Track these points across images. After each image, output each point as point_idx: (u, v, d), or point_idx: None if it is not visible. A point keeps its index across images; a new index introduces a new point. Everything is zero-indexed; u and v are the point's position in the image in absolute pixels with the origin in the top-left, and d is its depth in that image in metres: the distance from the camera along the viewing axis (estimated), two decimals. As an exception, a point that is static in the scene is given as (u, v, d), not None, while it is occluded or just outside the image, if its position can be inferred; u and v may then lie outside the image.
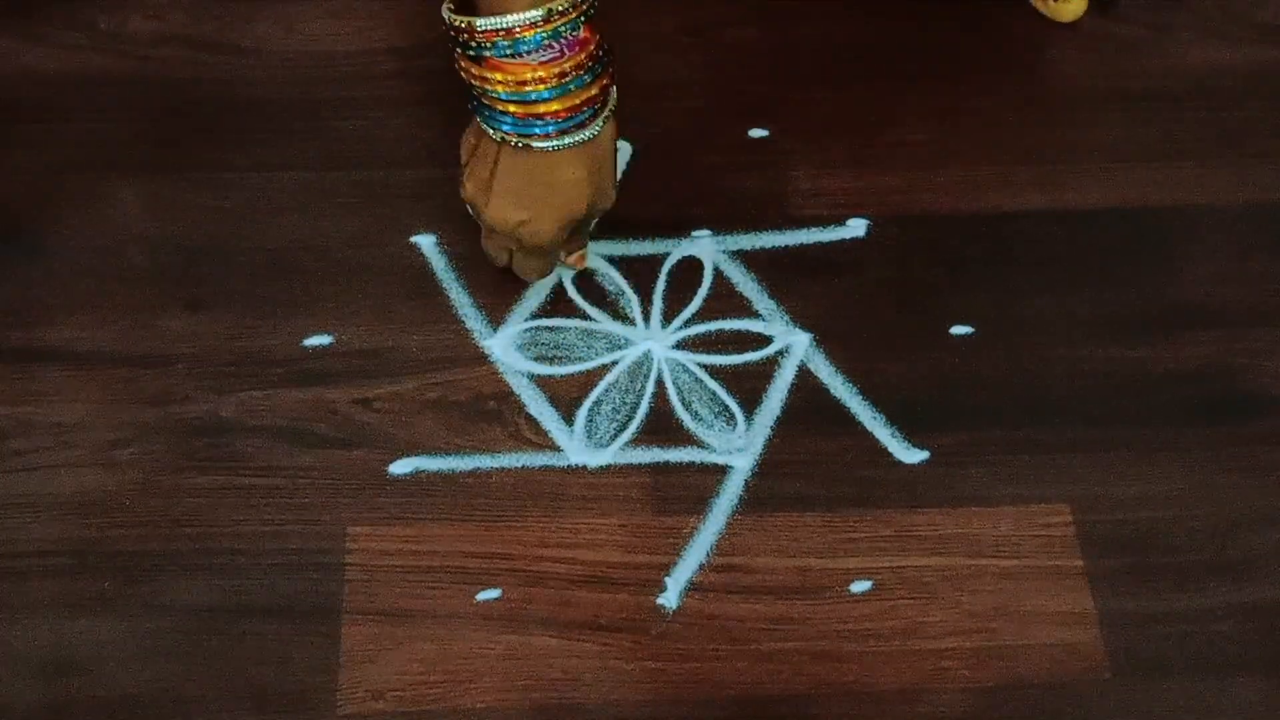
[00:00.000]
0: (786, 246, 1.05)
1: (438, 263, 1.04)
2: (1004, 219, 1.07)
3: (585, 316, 1.02)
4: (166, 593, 0.90)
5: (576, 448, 0.96)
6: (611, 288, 1.03)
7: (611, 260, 1.04)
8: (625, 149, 1.06)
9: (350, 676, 0.88)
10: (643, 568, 0.92)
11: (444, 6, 0.90)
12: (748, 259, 1.05)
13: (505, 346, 1.00)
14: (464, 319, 1.01)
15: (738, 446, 0.96)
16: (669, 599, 0.91)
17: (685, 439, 0.97)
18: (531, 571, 0.91)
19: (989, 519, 0.94)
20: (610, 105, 0.93)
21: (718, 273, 1.04)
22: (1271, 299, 1.03)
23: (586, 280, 1.03)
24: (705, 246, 1.05)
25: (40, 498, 0.93)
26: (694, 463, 0.96)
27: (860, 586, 0.91)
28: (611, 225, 1.04)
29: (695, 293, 1.03)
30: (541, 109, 0.89)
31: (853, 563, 0.92)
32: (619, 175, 0.98)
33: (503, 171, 0.93)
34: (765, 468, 0.96)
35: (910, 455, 0.96)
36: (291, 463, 0.95)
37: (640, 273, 1.03)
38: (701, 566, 0.92)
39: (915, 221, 1.07)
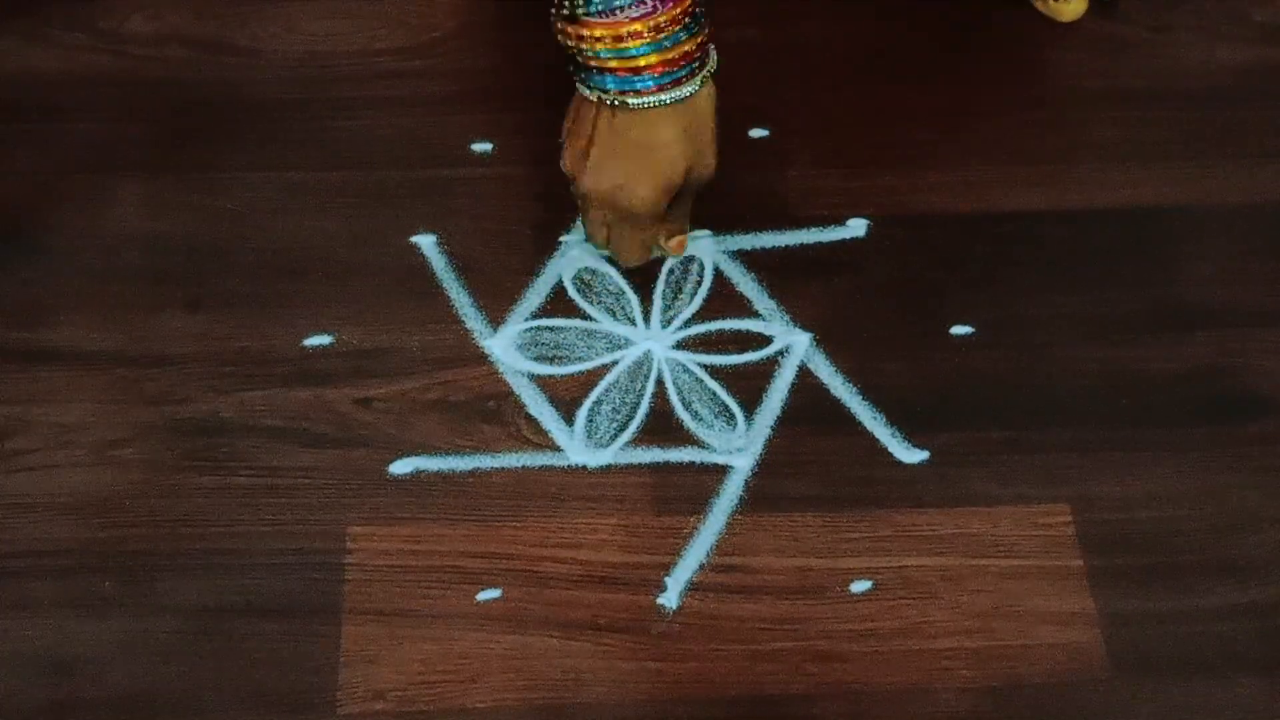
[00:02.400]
0: (786, 246, 1.05)
1: (438, 263, 1.04)
2: (1004, 219, 1.07)
3: (585, 316, 1.02)
4: (166, 593, 0.90)
5: (576, 448, 0.96)
6: (611, 288, 1.03)
7: (612, 260, 1.04)
8: None
9: (350, 676, 0.88)
10: (643, 568, 0.92)
11: None
12: (748, 259, 1.05)
13: (505, 346, 1.00)
14: (464, 319, 1.01)
15: (738, 446, 0.96)
16: (669, 599, 0.91)
17: (685, 439, 0.97)
18: (531, 571, 0.91)
19: (989, 519, 0.94)
20: (709, 67, 0.93)
21: (718, 273, 1.04)
22: (1271, 299, 1.03)
23: (586, 280, 1.03)
24: (705, 246, 1.05)
25: (40, 498, 0.93)
26: (694, 463, 0.96)
27: (860, 586, 0.91)
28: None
29: (695, 293, 1.03)
30: (641, 62, 0.90)
31: (853, 563, 0.92)
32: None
33: (600, 135, 0.93)
34: (765, 468, 0.96)
35: (910, 455, 0.96)
36: (291, 463, 0.95)
37: (640, 273, 1.03)
38: (701, 566, 0.92)
39: (915, 221, 1.07)
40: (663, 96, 0.91)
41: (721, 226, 1.05)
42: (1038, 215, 1.07)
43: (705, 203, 1.03)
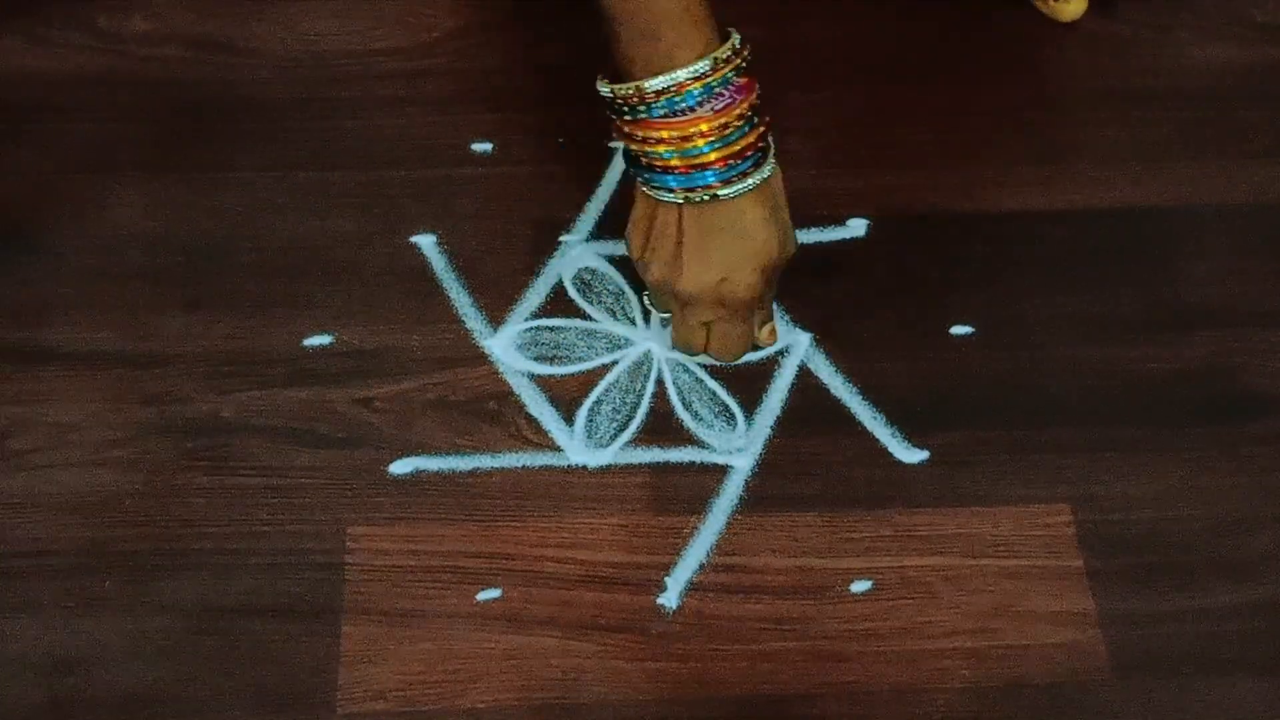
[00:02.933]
0: (786, 246, 1.05)
1: (438, 263, 1.04)
2: (1004, 219, 1.07)
3: (585, 316, 1.02)
4: (166, 593, 0.90)
5: (576, 448, 0.96)
6: (611, 288, 1.03)
7: (611, 260, 1.04)
8: None
9: (350, 676, 0.88)
10: (643, 568, 0.92)
11: (599, 81, 0.89)
12: (748, 259, 1.04)
13: (505, 346, 1.00)
14: (464, 319, 1.01)
15: (738, 446, 0.96)
16: (669, 599, 0.91)
17: (685, 439, 0.97)
18: (531, 571, 0.91)
19: (989, 519, 0.94)
20: (774, 148, 0.91)
21: (718, 273, 1.04)
22: (1271, 299, 1.03)
23: (586, 280, 1.03)
24: (705, 246, 1.05)
25: (40, 498, 0.93)
26: (694, 463, 0.96)
27: (860, 586, 0.91)
28: (612, 225, 1.04)
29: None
30: (701, 160, 0.88)
31: (853, 563, 0.92)
32: None
33: (690, 235, 0.91)
34: (765, 468, 0.96)
35: (910, 455, 0.96)
36: (291, 463, 0.95)
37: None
38: (701, 566, 0.92)
39: (915, 221, 1.07)
40: (749, 181, 0.89)
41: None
42: (1038, 215, 1.07)
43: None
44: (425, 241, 1.05)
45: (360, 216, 1.06)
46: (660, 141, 0.88)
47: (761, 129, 0.90)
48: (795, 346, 1.01)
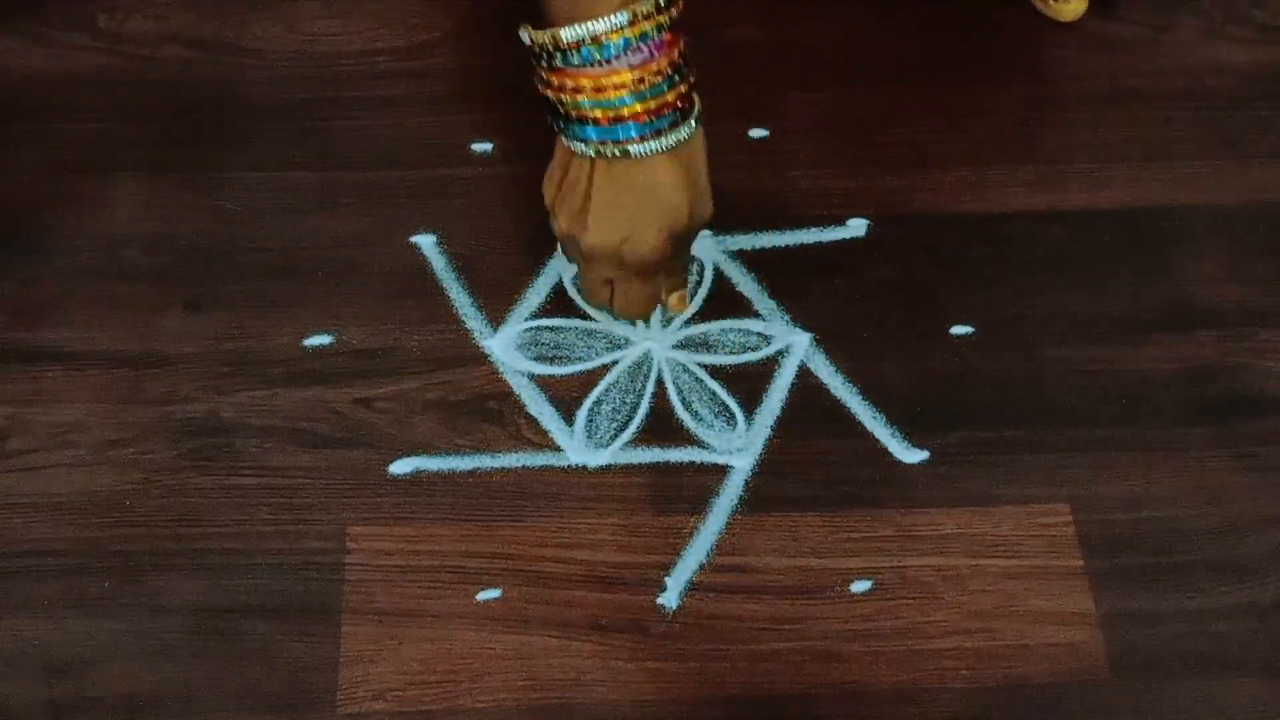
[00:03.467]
0: (786, 246, 1.05)
1: (438, 263, 1.04)
2: (1004, 219, 1.07)
3: (585, 316, 1.02)
4: (166, 593, 0.90)
5: (576, 448, 0.96)
6: (611, 288, 1.03)
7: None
8: None
9: (350, 676, 0.88)
10: (643, 568, 0.92)
11: (522, 29, 0.89)
12: (748, 259, 1.05)
13: (505, 346, 1.00)
14: (464, 319, 1.01)
15: (738, 446, 0.96)
16: (669, 599, 0.91)
17: (685, 439, 0.97)
18: (531, 571, 0.91)
19: (989, 519, 0.94)
20: (697, 110, 0.91)
21: (718, 272, 1.04)
22: (1271, 299, 1.03)
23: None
24: (705, 246, 1.05)
25: (40, 498, 0.93)
26: (694, 463, 0.96)
27: (860, 586, 0.91)
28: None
29: (695, 293, 1.03)
30: (625, 112, 0.88)
31: (853, 563, 0.92)
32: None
33: (598, 189, 0.91)
34: (765, 468, 0.96)
35: (910, 455, 0.96)
36: (291, 463, 0.95)
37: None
38: (702, 566, 0.92)
39: (915, 221, 1.07)
40: (664, 141, 0.89)
41: (721, 226, 1.05)
42: (1038, 215, 1.07)
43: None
44: (425, 241, 1.05)
45: (360, 216, 1.06)
46: (578, 90, 0.88)
47: (682, 88, 0.89)
48: (795, 346, 1.01)
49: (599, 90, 0.87)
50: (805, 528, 0.93)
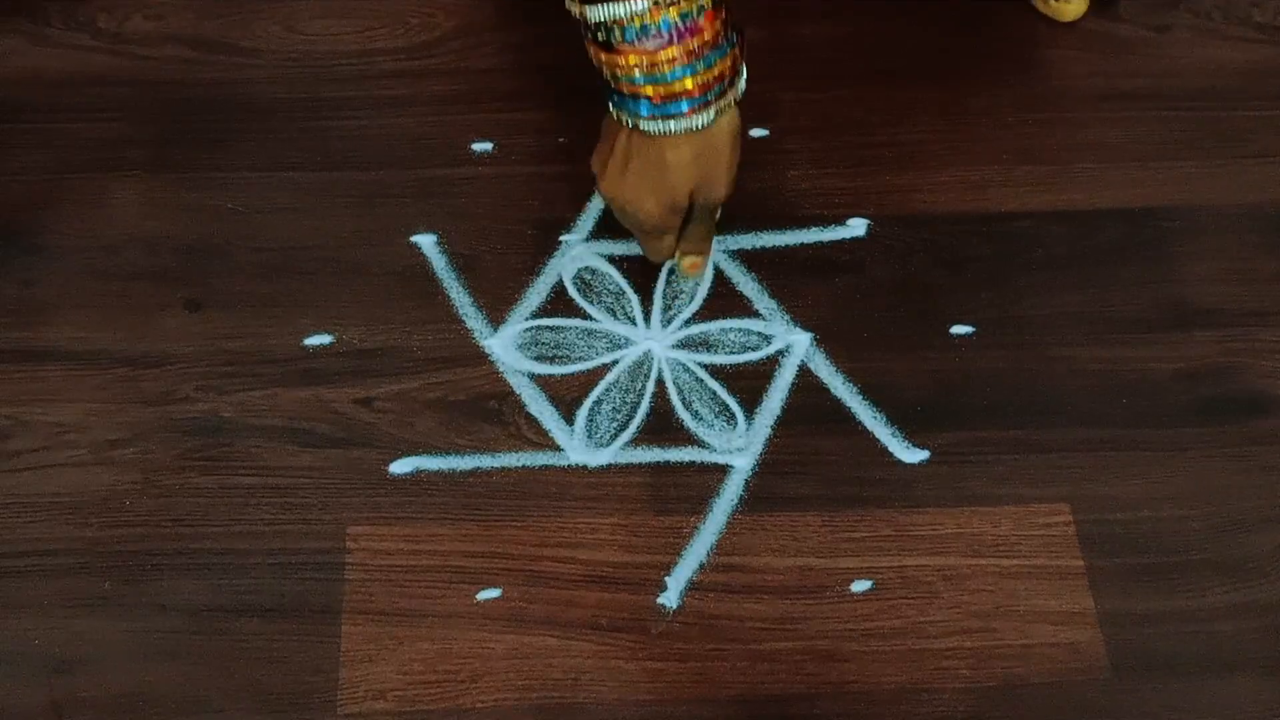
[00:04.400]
0: (786, 246, 1.05)
1: (438, 262, 1.04)
2: (1004, 219, 1.07)
3: (585, 316, 1.02)
4: (166, 593, 0.90)
5: (577, 447, 0.96)
6: (612, 287, 1.03)
7: (611, 260, 1.04)
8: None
9: (350, 676, 0.88)
10: (643, 567, 0.92)
11: (569, 1, 0.91)
12: (748, 259, 1.05)
13: (505, 346, 1.00)
14: (464, 319, 1.01)
15: (738, 446, 0.96)
16: (669, 599, 0.91)
17: (685, 439, 0.97)
18: (531, 571, 0.91)
19: (989, 519, 0.94)
20: (730, 96, 0.93)
21: (718, 272, 1.04)
22: (1271, 299, 1.03)
23: (586, 280, 1.03)
24: (705, 246, 1.05)
25: (40, 498, 0.94)
26: (694, 462, 0.96)
27: (860, 586, 0.91)
28: (613, 225, 1.04)
29: (695, 292, 1.03)
30: (677, 88, 0.91)
31: (853, 562, 0.92)
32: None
33: (618, 150, 0.95)
34: (765, 467, 0.96)
35: (910, 455, 0.96)
36: (291, 463, 0.95)
37: (640, 273, 1.03)
38: (702, 566, 0.92)
39: (915, 221, 1.07)
40: (674, 125, 0.92)
41: (721, 226, 1.05)
42: (1038, 215, 1.07)
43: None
44: (425, 241, 1.05)
45: (360, 216, 1.06)
46: (634, 66, 0.90)
47: (731, 60, 0.92)
48: (795, 346, 1.01)
49: (654, 65, 0.90)
50: (805, 528, 0.93)
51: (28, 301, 1.02)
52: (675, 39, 0.89)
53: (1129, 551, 0.93)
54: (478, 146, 1.10)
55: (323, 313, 1.01)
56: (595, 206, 1.06)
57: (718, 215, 1.01)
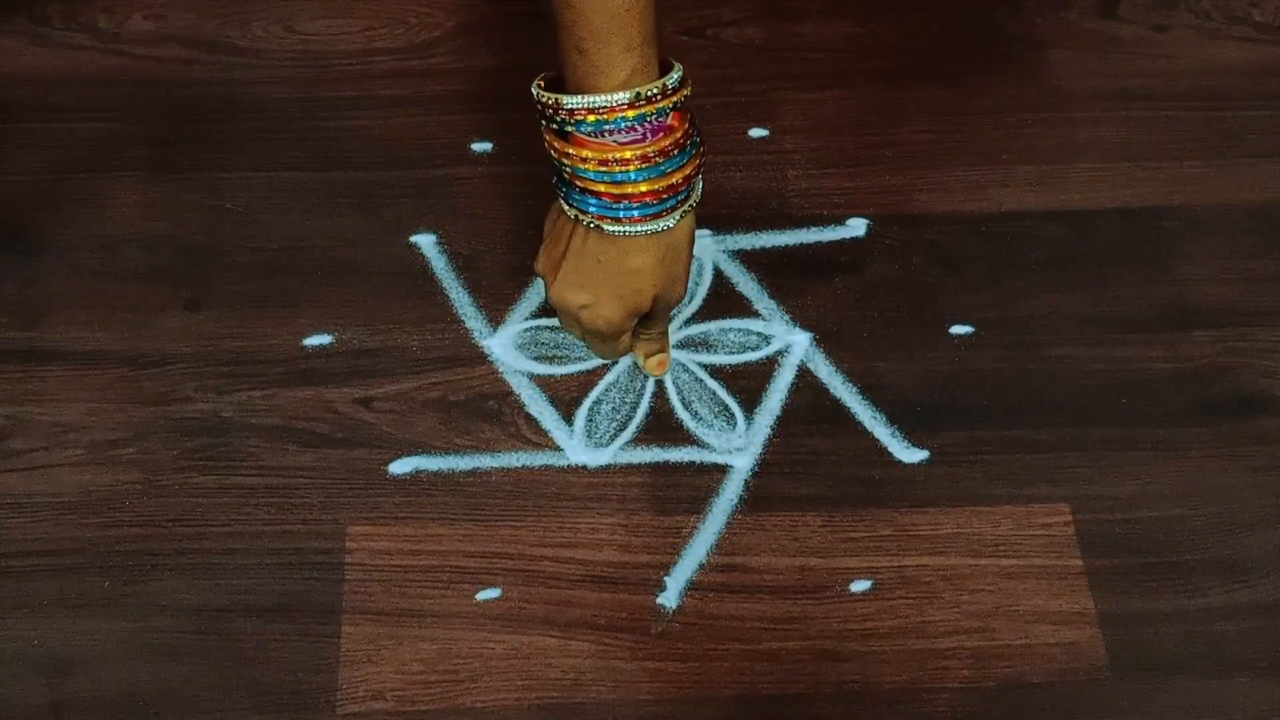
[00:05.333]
0: (786, 246, 1.05)
1: (438, 263, 1.04)
2: (1004, 219, 1.07)
3: (585, 316, 1.02)
4: (166, 593, 0.90)
5: (576, 447, 0.96)
6: (611, 288, 1.03)
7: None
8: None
9: (350, 676, 0.88)
10: (643, 567, 0.92)
11: (534, 84, 0.88)
12: (748, 259, 1.05)
13: (505, 346, 1.00)
14: (464, 319, 1.01)
15: (738, 446, 0.96)
16: (669, 599, 0.91)
17: (685, 439, 0.97)
18: (531, 571, 0.91)
19: (989, 519, 0.94)
20: (692, 200, 0.90)
21: (718, 272, 1.04)
22: (1271, 299, 1.04)
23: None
24: (705, 246, 1.05)
25: (40, 498, 0.94)
26: (694, 462, 0.96)
27: (860, 586, 0.91)
28: (611, 225, 1.04)
29: (695, 293, 1.03)
30: (629, 189, 0.87)
31: (853, 562, 0.92)
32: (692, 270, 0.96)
33: (573, 252, 0.90)
34: (765, 467, 0.96)
35: (910, 455, 0.96)
36: (291, 463, 0.95)
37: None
38: (701, 566, 0.92)
39: (915, 221, 1.07)
40: (641, 228, 0.88)
41: (721, 226, 1.05)
42: (1038, 215, 1.07)
43: (705, 202, 1.03)
44: (425, 241, 1.05)
45: (360, 216, 1.06)
46: (584, 161, 0.86)
47: (691, 169, 0.88)
48: (795, 346, 1.01)
49: (604, 163, 0.86)
50: (805, 528, 0.93)
51: (28, 301, 1.02)
52: (644, 136, 0.85)
53: (1129, 551, 0.93)
54: (478, 146, 1.10)
55: (323, 313, 1.01)
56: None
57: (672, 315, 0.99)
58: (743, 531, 0.93)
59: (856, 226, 1.06)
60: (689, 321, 1.02)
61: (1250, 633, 0.90)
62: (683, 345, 1.01)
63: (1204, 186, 1.09)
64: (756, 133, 1.11)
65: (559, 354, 1.00)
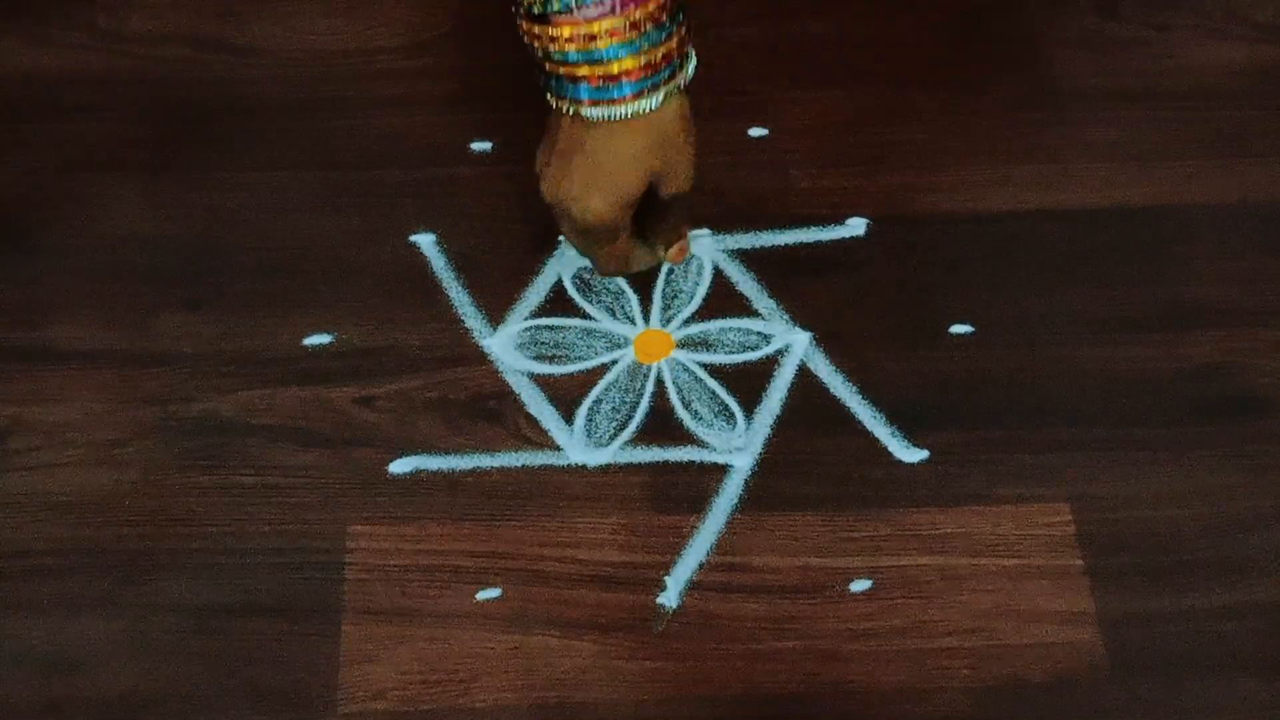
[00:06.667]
0: (786, 246, 1.05)
1: (438, 262, 1.04)
2: (1004, 219, 1.07)
3: (585, 315, 1.02)
4: (166, 593, 0.90)
5: (576, 447, 0.96)
6: (611, 287, 1.03)
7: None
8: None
9: (350, 676, 0.88)
10: (643, 567, 0.92)
11: None
12: (747, 258, 1.05)
13: (505, 345, 1.00)
14: (464, 318, 1.01)
15: (738, 446, 0.96)
16: (669, 598, 0.91)
17: (685, 438, 0.97)
18: (531, 571, 0.91)
19: (989, 519, 0.94)
20: (679, 79, 0.86)
21: (717, 272, 1.04)
22: (1271, 299, 1.04)
23: (586, 279, 1.03)
24: (705, 245, 1.05)
25: (40, 498, 0.93)
26: (694, 462, 0.96)
27: (860, 586, 0.91)
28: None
29: (695, 292, 1.03)
30: (615, 68, 0.83)
31: (853, 562, 0.92)
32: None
33: (560, 144, 0.88)
34: (765, 467, 0.96)
35: (910, 455, 0.96)
36: (291, 462, 0.95)
37: (640, 272, 1.03)
38: (701, 566, 0.92)
39: (915, 221, 1.07)
40: (620, 110, 0.85)
41: (721, 226, 1.05)
42: (1038, 215, 1.07)
43: (705, 203, 1.03)
44: (425, 241, 1.05)
45: (360, 216, 1.06)
46: (567, 41, 0.84)
47: (678, 37, 0.85)
48: (795, 346, 1.01)
49: (590, 39, 0.83)
50: (805, 527, 0.93)
51: (28, 301, 1.02)
52: (615, 8, 0.82)
53: (1129, 551, 0.93)
54: (478, 146, 1.10)
55: (323, 313, 1.01)
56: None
57: (690, 206, 0.98)
58: (743, 531, 0.93)
59: (856, 226, 1.06)
60: (689, 321, 1.02)
61: (1250, 633, 0.90)
62: (683, 345, 1.01)
63: (1204, 186, 1.09)
64: (756, 132, 1.11)
65: (559, 354, 1.00)
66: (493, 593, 0.91)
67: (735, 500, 0.94)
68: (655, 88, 0.86)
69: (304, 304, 1.02)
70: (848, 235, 1.06)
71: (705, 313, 1.02)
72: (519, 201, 1.07)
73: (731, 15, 1.18)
